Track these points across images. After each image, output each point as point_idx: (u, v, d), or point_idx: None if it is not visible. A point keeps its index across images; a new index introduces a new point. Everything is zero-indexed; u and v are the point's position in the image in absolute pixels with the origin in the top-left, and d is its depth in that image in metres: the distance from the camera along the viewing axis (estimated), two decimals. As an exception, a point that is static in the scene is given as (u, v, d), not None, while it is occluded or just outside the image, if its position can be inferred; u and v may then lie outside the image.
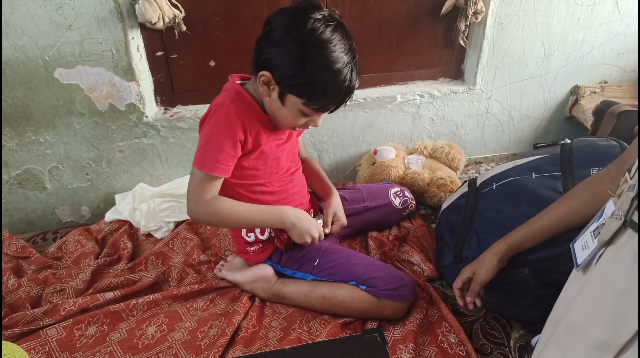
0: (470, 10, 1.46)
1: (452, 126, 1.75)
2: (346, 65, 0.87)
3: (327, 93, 0.90)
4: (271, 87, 0.92)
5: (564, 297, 0.78)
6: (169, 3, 1.26)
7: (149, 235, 1.42)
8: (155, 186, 1.53)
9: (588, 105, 1.72)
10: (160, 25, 1.26)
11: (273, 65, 0.88)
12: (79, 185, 1.49)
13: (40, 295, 1.18)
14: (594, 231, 0.73)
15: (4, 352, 0.85)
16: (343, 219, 1.19)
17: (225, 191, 1.06)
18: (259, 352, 0.89)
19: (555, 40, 1.64)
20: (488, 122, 1.78)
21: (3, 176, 1.41)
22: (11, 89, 1.28)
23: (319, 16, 0.85)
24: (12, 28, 1.20)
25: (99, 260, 1.28)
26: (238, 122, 0.96)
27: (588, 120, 1.67)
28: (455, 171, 1.60)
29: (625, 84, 1.79)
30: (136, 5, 1.22)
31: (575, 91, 1.78)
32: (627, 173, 0.67)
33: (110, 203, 1.53)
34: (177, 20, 1.29)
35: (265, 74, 0.89)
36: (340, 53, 0.86)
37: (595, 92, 1.77)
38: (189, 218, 1.43)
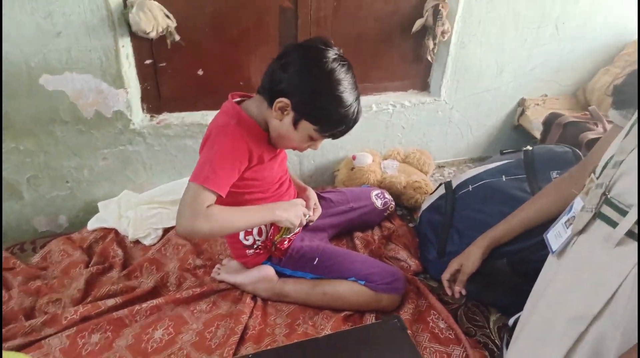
0: (439, 30, 1.62)
1: (420, 133, 1.91)
2: (355, 100, 1.01)
3: (340, 123, 1.02)
4: (285, 113, 1.00)
5: (542, 280, 0.92)
6: (162, 13, 1.28)
7: (137, 242, 1.42)
8: (139, 193, 1.53)
9: (533, 115, 1.95)
10: (153, 34, 1.27)
11: (291, 94, 0.97)
12: (58, 194, 1.45)
13: (34, 306, 1.16)
14: (565, 222, 0.87)
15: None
16: (319, 207, 1.28)
17: (223, 200, 1.08)
18: (293, 342, 0.95)
19: (506, 58, 1.85)
20: (450, 130, 1.96)
21: (-25, 186, 1.35)
22: (-9, 95, 1.23)
23: (335, 56, 0.98)
24: (-5, 34, 1.16)
25: (91, 268, 1.26)
26: (243, 144, 1.02)
27: (534, 129, 1.90)
28: (426, 175, 1.76)
29: (562, 97, 2.06)
30: (130, 15, 1.23)
31: (521, 103, 2.01)
32: (592, 174, 0.82)
33: (90, 211, 1.50)
34: (170, 30, 1.31)
35: (284, 101, 0.98)
36: (351, 90, 0.99)
37: (538, 104, 2.01)
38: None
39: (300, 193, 1.31)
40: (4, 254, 1.30)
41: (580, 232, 0.79)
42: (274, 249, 1.19)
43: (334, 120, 1.00)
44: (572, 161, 1.20)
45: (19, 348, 1.02)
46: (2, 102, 1.23)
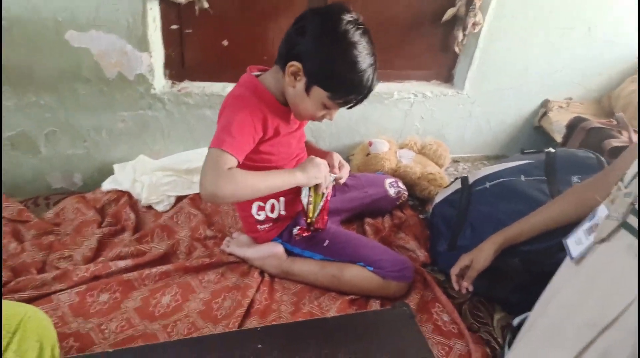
0: (470, 21, 1.58)
1: (438, 125, 1.89)
2: (370, 66, 0.96)
3: (352, 90, 0.98)
4: (298, 79, 0.97)
5: (556, 283, 0.92)
6: (193, -22, 1.26)
7: (149, 208, 1.43)
8: (155, 159, 1.53)
9: (555, 118, 1.92)
10: (183, -1, 1.26)
11: (305, 58, 0.94)
12: (74, 152, 1.46)
13: (45, 260, 1.17)
14: (587, 229, 0.86)
15: (26, 312, 0.85)
16: (346, 164, 1.25)
17: (241, 167, 1.09)
18: (302, 320, 0.96)
19: (534, 56, 1.81)
20: (469, 124, 1.94)
21: (-6, 136, 1.35)
22: (15, 48, 1.22)
23: (350, 18, 0.93)
24: (26, -16, 1.15)
25: (104, 229, 1.28)
26: (259, 113, 1.01)
27: (555, 131, 1.87)
28: (441, 168, 1.74)
29: (587, 102, 2.02)
30: (162, -23, 1.21)
31: (545, 104, 1.98)
32: (620, 182, 0.81)
33: (105, 173, 1.51)
34: (199, -3, 1.29)
35: (296, 64, 0.95)
36: (366, 55, 0.94)
37: (562, 107, 1.98)
38: (190, 193, 1.46)
39: (324, 157, 1.28)
40: (19, 206, 1.31)
41: (603, 240, 0.78)
42: (313, 229, 1.17)
43: (347, 86, 0.97)
44: (595, 167, 1.18)
45: (28, 301, 1.04)
46: (1, 97, 1.22)
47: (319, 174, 1.07)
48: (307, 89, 0.98)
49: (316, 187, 1.12)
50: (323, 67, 0.94)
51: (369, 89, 0.99)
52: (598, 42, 1.83)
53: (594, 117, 1.79)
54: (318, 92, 0.97)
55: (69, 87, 1.33)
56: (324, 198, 1.15)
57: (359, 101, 1.02)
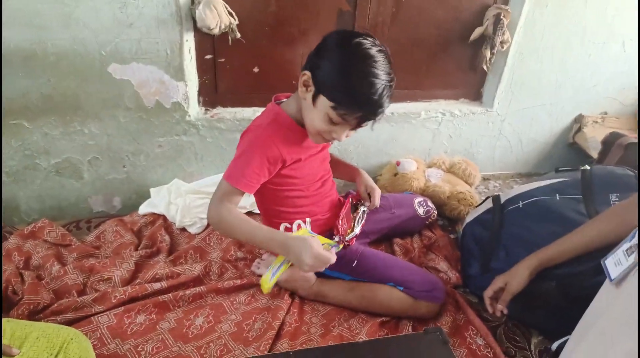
0: (498, 39, 1.58)
1: (467, 144, 1.87)
2: (382, 83, 0.92)
3: (356, 102, 0.93)
4: (309, 89, 0.98)
5: (595, 307, 0.88)
6: (226, 11, 1.32)
7: (183, 230, 1.47)
8: (188, 182, 1.58)
9: (590, 133, 1.87)
10: (216, 31, 1.32)
11: (315, 68, 0.96)
12: (115, 176, 1.53)
13: (86, 282, 1.22)
14: (626, 250, 0.83)
15: (68, 334, 0.89)
16: (377, 188, 1.27)
17: (266, 193, 1.14)
18: (333, 344, 0.96)
19: (567, 73, 1.78)
20: (499, 143, 1.91)
21: (42, 164, 1.44)
22: (64, 79, 1.31)
23: (369, 40, 0.94)
24: (74, 20, 1.23)
25: (140, 252, 1.32)
26: (273, 147, 1.03)
27: (590, 147, 1.82)
28: (470, 186, 1.72)
29: (623, 117, 1.96)
30: (197, 11, 1.28)
31: (579, 120, 1.93)
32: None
33: (142, 196, 1.57)
34: (232, 27, 1.35)
35: (307, 73, 0.97)
36: (379, 71, 0.92)
37: (596, 122, 1.92)
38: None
39: (353, 176, 1.32)
40: (62, 230, 1.38)
41: (644, 262, 0.75)
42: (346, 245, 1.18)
43: (350, 96, 0.92)
44: (634, 184, 1.14)
45: (69, 322, 1.08)
46: (2, 95, 1.29)
47: (308, 264, 0.91)
48: (314, 99, 0.97)
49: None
50: (330, 74, 0.93)
51: (376, 105, 0.94)
52: (633, 56, 1.79)
53: (631, 133, 1.73)
54: (323, 102, 0.95)
55: (111, 115, 1.41)
56: (359, 226, 1.18)
57: (363, 119, 0.96)
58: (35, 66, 1.27)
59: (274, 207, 1.17)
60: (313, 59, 0.97)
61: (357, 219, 1.24)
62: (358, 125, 0.99)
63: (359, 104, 0.94)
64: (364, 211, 1.26)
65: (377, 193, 1.27)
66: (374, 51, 0.93)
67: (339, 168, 1.35)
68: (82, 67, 1.30)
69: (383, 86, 0.92)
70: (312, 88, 0.97)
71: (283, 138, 1.05)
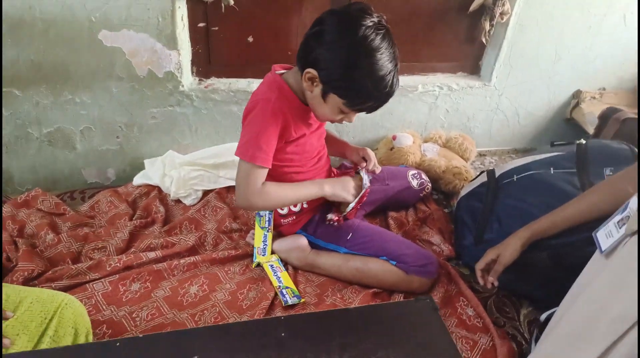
0: (498, 10, 1.55)
1: (464, 118, 1.86)
2: (389, 72, 0.92)
3: (369, 98, 0.96)
4: (315, 84, 0.97)
5: (585, 277, 0.89)
6: (219, -24, 1.29)
7: (177, 201, 1.47)
8: (182, 154, 1.57)
9: (588, 109, 1.85)
10: (209, -3, 1.28)
11: (321, 65, 0.93)
12: (108, 148, 1.51)
13: (80, 251, 1.23)
14: (617, 222, 0.84)
15: (62, 300, 0.90)
16: (368, 149, 1.27)
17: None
18: (326, 310, 0.97)
19: (566, 45, 1.75)
20: (496, 117, 1.90)
21: (34, 133, 1.42)
22: (53, 48, 1.28)
23: (370, 23, 0.89)
24: (61, -15, 1.20)
25: (135, 222, 1.32)
26: (282, 119, 1.02)
27: (587, 123, 1.81)
28: (466, 161, 1.72)
29: (622, 92, 1.94)
30: (189, -24, 1.24)
31: (577, 95, 1.91)
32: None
33: (136, 167, 1.56)
34: (225, -6, 1.32)
35: (312, 71, 0.94)
36: (385, 61, 0.91)
37: (594, 98, 1.91)
38: (216, 187, 1.50)
39: (345, 149, 1.31)
40: (55, 200, 1.37)
41: (634, 233, 0.76)
42: (344, 219, 1.20)
43: (363, 95, 0.94)
44: (629, 158, 1.14)
45: (64, 289, 1.09)
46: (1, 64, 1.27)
47: (346, 196, 1.15)
48: (324, 96, 0.97)
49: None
50: (338, 76, 0.93)
51: (388, 96, 0.96)
52: (634, 30, 1.76)
53: (628, 108, 1.72)
54: (334, 99, 0.97)
55: (103, 85, 1.38)
56: (363, 192, 1.19)
57: (378, 107, 0.99)
58: (23, 33, 1.24)
59: (272, 181, 1.16)
60: (315, 52, 0.93)
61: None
62: (371, 110, 1.00)
63: (372, 98, 0.96)
64: (365, 183, 1.23)
65: (371, 152, 1.27)
66: (378, 39, 0.89)
67: (330, 143, 1.33)
68: (71, 34, 1.27)
69: (392, 75, 0.93)
70: (319, 84, 0.96)
71: (290, 111, 1.04)
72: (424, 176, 1.51)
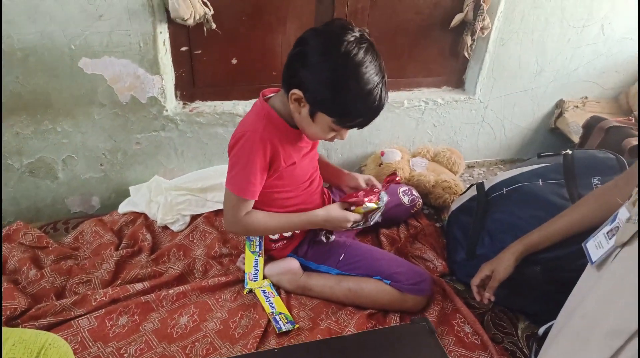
0: (478, 26, 1.57)
1: (451, 132, 1.87)
2: (377, 85, 0.90)
3: (359, 114, 0.94)
4: (302, 105, 0.95)
5: (578, 290, 0.89)
6: (200, 1, 1.28)
7: (165, 228, 1.44)
8: (169, 179, 1.55)
9: (571, 118, 1.88)
10: (190, 21, 1.27)
11: (306, 86, 0.91)
12: (92, 175, 1.48)
13: (64, 285, 1.19)
14: (607, 233, 0.83)
15: (46, 339, 0.86)
16: (364, 178, 1.28)
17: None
18: (320, 338, 0.95)
19: (547, 57, 1.78)
20: (482, 130, 1.91)
21: (14, 164, 1.38)
22: (33, 76, 1.26)
23: (352, 38, 0.88)
24: (40, 14, 1.18)
25: (121, 252, 1.29)
26: (271, 149, 1.01)
27: (572, 132, 1.83)
28: (455, 174, 1.72)
29: (604, 100, 1.97)
30: (170, 1, 1.23)
31: (560, 105, 1.94)
32: (641, 184, 0.78)
33: (122, 194, 1.53)
34: (207, 18, 1.31)
35: (298, 92, 0.93)
36: (371, 74, 0.89)
37: (577, 107, 1.93)
38: (204, 211, 1.47)
39: (340, 177, 1.30)
40: (38, 233, 1.33)
41: (624, 244, 0.76)
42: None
43: (352, 112, 0.93)
44: (615, 167, 1.15)
45: (48, 327, 1.05)
46: (1, 91, 1.25)
47: (347, 226, 1.14)
48: (312, 115, 0.96)
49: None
50: (325, 94, 0.91)
51: (378, 109, 0.94)
52: (613, 40, 1.80)
53: (612, 116, 1.74)
54: (323, 118, 0.95)
55: (85, 112, 1.36)
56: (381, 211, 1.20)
57: (369, 121, 0.97)
58: (2, 62, 1.21)
59: (262, 208, 1.13)
60: (299, 73, 0.91)
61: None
62: (362, 126, 0.99)
63: (361, 114, 0.94)
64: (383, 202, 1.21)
65: (373, 178, 1.29)
66: (361, 54, 0.87)
67: (322, 169, 1.31)
68: (51, 63, 1.25)
69: (380, 88, 0.91)
70: (305, 104, 0.94)
71: (279, 139, 1.02)
72: (414, 192, 1.50)
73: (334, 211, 1.14)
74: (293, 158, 1.07)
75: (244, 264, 1.26)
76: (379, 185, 1.25)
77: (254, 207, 1.11)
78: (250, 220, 1.08)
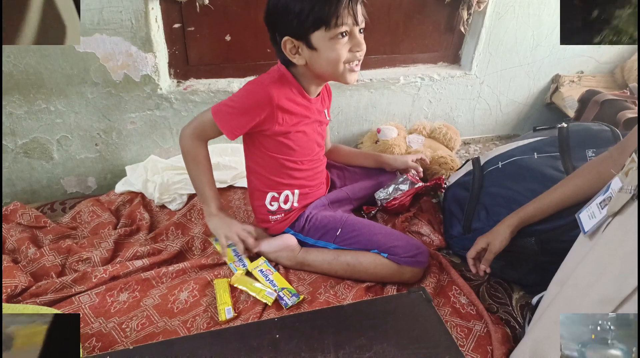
0: (475, -1, 1.55)
1: (447, 108, 1.86)
2: None
3: (332, 1, 0.92)
4: (297, 47, 0.97)
5: (570, 260, 0.90)
6: (192, -25, 1.26)
7: (162, 207, 1.44)
8: (165, 158, 1.54)
9: (567, 93, 1.88)
10: (183, -3, 1.26)
11: (283, 26, 0.95)
12: (87, 156, 1.48)
13: (64, 263, 1.19)
14: (600, 203, 0.85)
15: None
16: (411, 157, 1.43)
17: (262, 157, 1.14)
18: (318, 308, 0.96)
19: (543, 31, 1.77)
20: (479, 105, 1.91)
21: (9, 145, 1.37)
22: (24, 55, 1.24)
23: None
24: (28, -9, 1.15)
25: (119, 230, 1.29)
26: (270, 104, 1.02)
27: (567, 107, 1.83)
28: (451, 151, 1.72)
29: (599, 75, 1.97)
30: (160, -25, 1.21)
31: (556, 80, 1.94)
32: (634, 154, 0.79)
33: (118, 174, 1.53)
34: (199, -7, 1.29)
35: (285, 38, 0.96)
36: None
37: (573, 81, 1.93)
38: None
39: (378, 161, 1.44)
40: (35, 212, 1.33)
41: (616, 214, 0.77)
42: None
43: (324, 4, 0.91)
44: (610, 140, 1.16)
45: (50, 304, 1.06)
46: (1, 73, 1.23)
47: (221, 234, 1.17)
48: (310, 46, 0.97)
49: None
50: (296, 13, 0.92)
51: None
52: (608, 13, 1.78)
53: (607, 90, 1.75)
54: (319, 38, 0.95)
55: (78, 91, 1.34)
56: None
57: (349, 3, 0.93)
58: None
59: (267, 176, 1.16)
60: (273, 26, 0.98)
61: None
62: (355, 19, 0.95)
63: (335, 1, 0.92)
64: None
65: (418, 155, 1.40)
66: None
67: (359, 157, 1.44)
68: (42, 41, 1.23)
69: None
70: (299, 44, 0.96)
71: (285, 96, 1.04)
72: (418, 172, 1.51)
73: (227, 219, 1.20)
74: (300, 125, 1.09)
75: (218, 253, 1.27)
76: (420, 171, 1.40)
77: (259, 173, 1.16)
78: (195, 147, 1.10)
